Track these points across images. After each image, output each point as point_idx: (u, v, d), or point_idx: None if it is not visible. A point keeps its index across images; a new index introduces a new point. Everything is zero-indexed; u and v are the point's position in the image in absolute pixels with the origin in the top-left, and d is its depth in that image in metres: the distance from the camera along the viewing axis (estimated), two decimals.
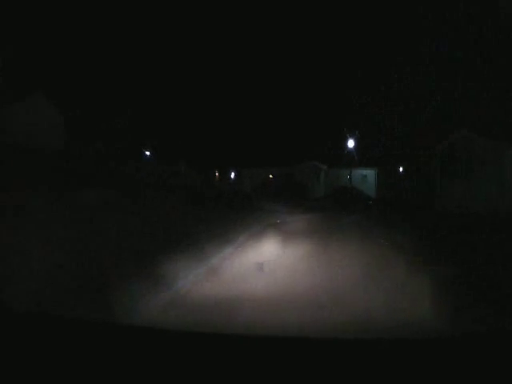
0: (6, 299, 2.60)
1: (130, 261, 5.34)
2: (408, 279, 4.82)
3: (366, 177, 37.81)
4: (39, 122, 20.05)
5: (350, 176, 33.04)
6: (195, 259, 6.14)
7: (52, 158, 15.31)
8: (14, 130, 17.86)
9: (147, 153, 33.88)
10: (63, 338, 1.81)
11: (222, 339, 1.92)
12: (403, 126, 33.11)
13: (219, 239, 8.27)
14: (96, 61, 31.70)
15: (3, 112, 18.42)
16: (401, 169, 33.82)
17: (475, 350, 1.71)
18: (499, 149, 20.17)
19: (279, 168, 35.76)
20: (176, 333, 2.07)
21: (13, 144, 14.61)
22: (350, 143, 33.99)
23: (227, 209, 15.39)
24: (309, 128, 41.92)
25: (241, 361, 1.67)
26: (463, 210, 18.28)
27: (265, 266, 5.98)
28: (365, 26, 36.81)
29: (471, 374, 1.57)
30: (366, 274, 5.19)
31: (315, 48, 50.45)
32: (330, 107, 52.93)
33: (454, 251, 7.69)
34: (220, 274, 5.75)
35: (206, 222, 10.27)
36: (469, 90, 23.58)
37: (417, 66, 32.70)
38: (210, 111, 48.84)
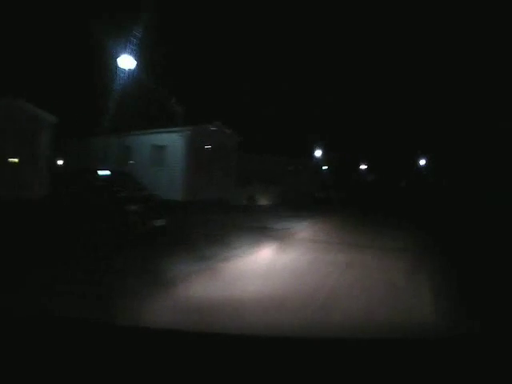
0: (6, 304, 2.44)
1: None
2: None
3: (163, 150, 17.30)
4: None
5: (118, 147, 14.61)
6: None
7: None
8: None
9: None
10: (64, 339, 1.72)
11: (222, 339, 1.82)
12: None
13: None
14: None
15: None
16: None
17: (475, 349, 1.69)
18: None
19: None
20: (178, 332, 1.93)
21: None
22: (126, 62, 12.40)
23: None
24: None
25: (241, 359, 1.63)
26: None
27: None
28: None
29: (471, 374, 1.56)
30: None
31: None
32: None
33: None
34: None
35: None
36: None
37: None
38: None
